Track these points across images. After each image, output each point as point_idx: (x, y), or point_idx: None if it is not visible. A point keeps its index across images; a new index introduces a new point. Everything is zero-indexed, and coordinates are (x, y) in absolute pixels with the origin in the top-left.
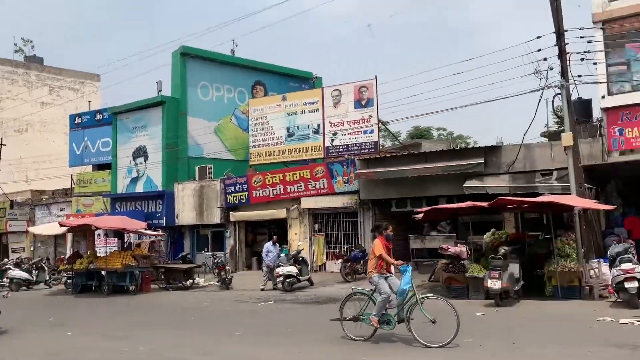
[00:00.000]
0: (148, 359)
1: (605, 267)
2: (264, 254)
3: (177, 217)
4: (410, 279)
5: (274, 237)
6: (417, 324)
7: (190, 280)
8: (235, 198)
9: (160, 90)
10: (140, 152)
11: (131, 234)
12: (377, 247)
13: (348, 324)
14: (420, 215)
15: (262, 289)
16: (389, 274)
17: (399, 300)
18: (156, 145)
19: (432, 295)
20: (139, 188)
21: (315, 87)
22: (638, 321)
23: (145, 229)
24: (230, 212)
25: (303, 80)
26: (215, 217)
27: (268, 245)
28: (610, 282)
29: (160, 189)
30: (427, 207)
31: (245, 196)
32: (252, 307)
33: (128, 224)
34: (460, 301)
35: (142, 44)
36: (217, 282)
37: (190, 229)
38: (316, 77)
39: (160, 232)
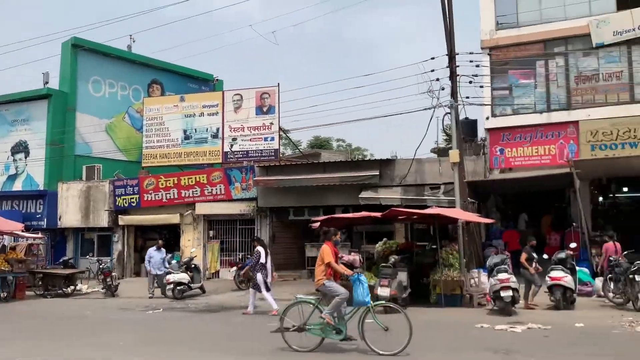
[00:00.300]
0: None
1: (484, 277)
2: (146, 260)
3: (60, 219)
4: (368, 290)
5: (159, 242)
6: (368, 332)
7: (72, 287)
8: (125, 201)
9: (46, 83)
10: (21, 148)
11: (5, 236)
12: (326, 254)
13: (291, 334)
14: (317, 224)
15: (151, 297)
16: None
17: (348, 310)
18: (39, 141)
19: (383, 302)
20: (17, 186)
21: (216, 90)
22: (512, 327)
23: (22, 231)
24: (119, 216)
25: (203, 82)
26: (103, 220)
27: (151, 250)
28: (488, 291)
29: (42, 188)
30: (324, 216)
31: (136, 199)
32: (139, 315)
33: (2, 224)
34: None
35: (29, 32)
36: (102, 289)
37: (75, 232)
38: (217, 79)
39: (39, 235)
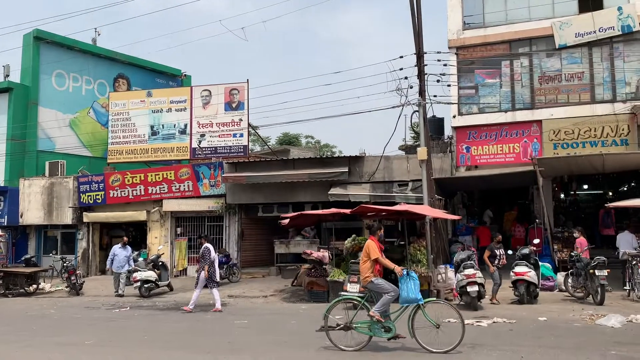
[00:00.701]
0: None
1: (450, 273)
2: (109, 258)
3: (21, 216)
4: (418, 287)
5: (124, 238)
6: (418, 329)
7: (35, 286)
8: (90, 197)
9: (7, 76)
10: None
11: None
12: (372, 249)
13: (336, 333)
14: (287, 221)
15: (122, 295)
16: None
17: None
18: (0, 136)
19: (434, 299)
20: None
21: (184, 86)
22: (478, 322)
23: None
24: (84, 213)
25: (171, 78)
26: (67, 218)
27: (115, 248)
28: (454, 286)
29: (2, 184)
30: (294, 213)
31: (101, 196)
32: (105, 314)
33: None
34: (321, 304)
35: None
36: (66, 287)
37: (37, 229)
38: (185, 75)
39: (0, 232)
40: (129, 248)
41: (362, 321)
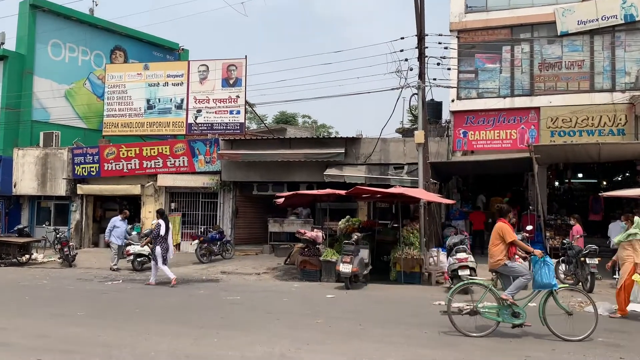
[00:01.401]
0: None
1: (442, 256)
2: (107, 230)
3: (14, 186)
4: (553, 272)
5: (126, 212)
6: (550, 316)
7: (27, 256)
8: (84, 169)
9: (2, 44)
10: None
11: None
12: (507, 232)
13: (460, 318)
14: (281, 200)
15: (117, 269)
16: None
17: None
18: None
19: (567, 285)
20: None
21: (181, 60)
22: (468, 305)
23: None
24: (78, 185)
25: (168, 51)
26: (61, 189)
27: (116, 220)
28: (446, 270)
29: None
30: (289, 192)
31: (95, 168)
32: (98, 286)
33: None
34: (313, 284)
35: None
36: (59, 258)
37: (30, 200)
38: (182, 49)
39: None
40: (126, 221)
41: (490, 306)
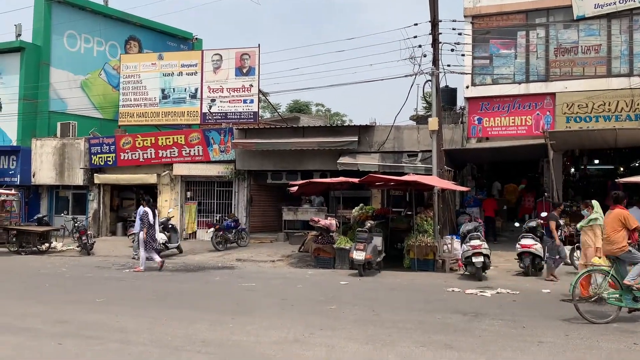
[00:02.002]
0: None
1: (456, 243)
2: (138, 219)
3: (33, 176)
4: None
5: (151, 200)
6: None
7: (47, 244)
8: (101, 159)
9: (19, 35)
10: None
11: None
12: (631, 218)
13: (585, 305)
14: (295, 188)
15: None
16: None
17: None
18: (12, 96)
19: None
20: None
21: (195, 49)
22: (481, 292)
23: None
24: (95, 174)
25: (182, 41)
26: (78, 179)
27: (148, 209)
28: (460, 257)
29: (14, 144)
30: (302, 181)
31: (112, 158)
32: (115, 273)
33: None
34: (327, 271)
35: None
36: (77, 247)
37: (49, 189)
38: (196, 38)
39: (13, 191)
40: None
41: (613, 292)
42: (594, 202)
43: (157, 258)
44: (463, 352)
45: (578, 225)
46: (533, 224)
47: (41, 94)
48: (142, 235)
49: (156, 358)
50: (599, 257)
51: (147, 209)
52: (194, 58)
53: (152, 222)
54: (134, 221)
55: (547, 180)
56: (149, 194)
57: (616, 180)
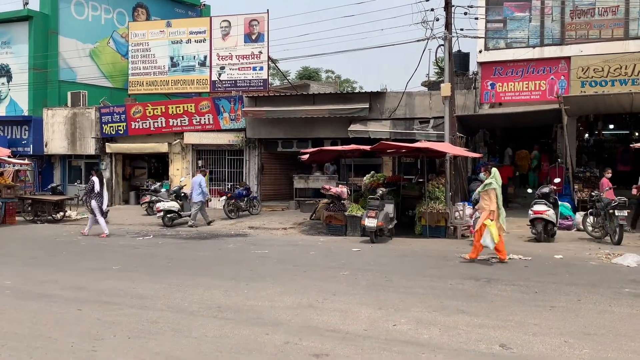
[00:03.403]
0: (11, 295)
1: (468, 210)
2: (197, 187)
3: (46, 146)
4: None
5: (206, 170)
6: None
7: (62, 213)
8: (112, 128)
9: (26, 3)
10: (3, 72)
11: None
12: None
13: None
14: (306, 156)
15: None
16: None
17: None
18: (22, 65)
19: None
20: (2, 111)
21: (203, 16)
22: (494, 258)
23: (9, 157)
24: (107, 143)
25: (190, 7)
26: (90, 148)
27: (202, 178)
28: (472, 223)
29: (26, 114)
30: (313, 149)
31: (123, 127)
32: (130, 241)
33: None
34: (339, 238)
35: None
36: None
37: (61, 159)
38: (204, 4)
39: (26, 161)
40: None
41: None
42: (493, 169)
43: (106, 229)
44: (475, 317)
45: (477, 190)
46: (546, 190)
47: (50, 63)
48: (94, 203)
49: (173, 323)
50: (491, 220)
51: (95, 178)
52: (202, 25)
53: (98, 191)
54: (147, 190)
55: (561, 146)
56: (160, 162)
57: (630, 145)
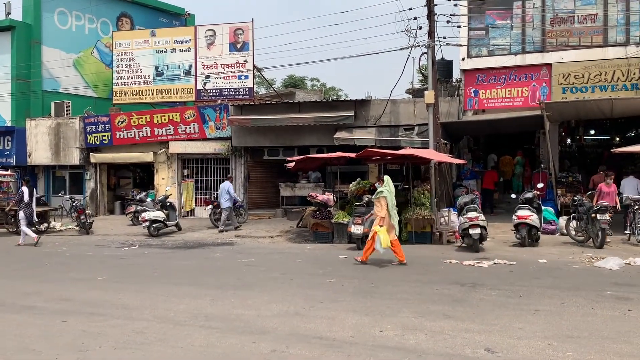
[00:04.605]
0: None
1: (453, 216)
2: (225, 193)
3: (29, 156)
4: None
5: (230, 176)
6: None
7: (45, 224)
8: (96, 138)
9: (8, 14)
10: None
11: None
12: None
13: None
14: (292, 164)
15: (238, 226)
16: None
17: None
18: (5, 76)
19: None
20: None
21: (188, 25)
22: (479, 263)
23: None
24: (91, 153)
25: (174, 17)
26: (74, 158)
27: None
28: (457, 229)
29: (9, 124)
30: (299, 157)
31: (107, 137)
32: (116, 252)
33: None
34: (326, 245)
35: None
36: (76, 226)
37: (45, 169)
38: (188, 13)
39: (9, 172)
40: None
41: None
42: (386, 177)
43: (32, 234)
44: (461, 322)
45: (372, 198)
46: (529, 195)
47: (34, 73)
48: (21, 214)
49: (159, 333)
50: (381, 226)
51: (25, 188)
52: (187, 34)
53: (27, 201)
54: (132, 200)
55: (544, 152)
56: (146, 172)
57: (612, 150)
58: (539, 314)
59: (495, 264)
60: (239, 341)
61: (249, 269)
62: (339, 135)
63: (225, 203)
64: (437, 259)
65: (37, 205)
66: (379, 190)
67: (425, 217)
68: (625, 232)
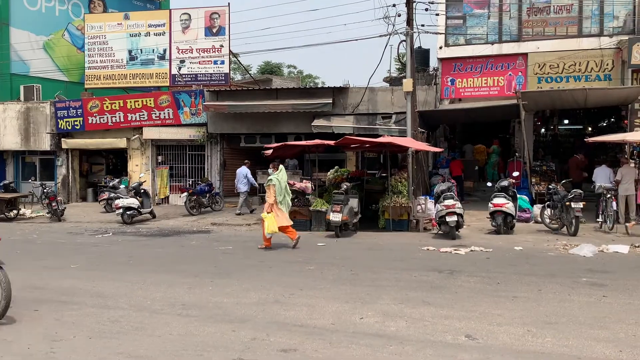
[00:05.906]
0: None
1: (430, 204)
2: (243, 178)
3: None
4: None
5: (247, 162)
6: None
7: (15, 211)
8: (68, 124)
9: None
10: None
11: None
12: None
13: None
14: (270, 152)
15: (240, 214)
16: None
17: None
18: None
19: None
20: None
21: (162, 9)
22: (456, 250)
23: None
24: (63, 139)
25: (148, 0)
26: (45, 144)
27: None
28: (434, 216)
29: None
30: (277, 144)
31: (79, 122)
32: (89, 239)
33: None
34: (304, 233)
35: None
36: (48, 213)
37: (14, 155)
38: None
39: None
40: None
41: None
42: (280, 166)
43: None
44: (440, 308)
45: (265, 184)
46: (505, 183)
47: (1, 55)
48: None
49: (136, 322)
50: (269, 213)
51: None
52: (162, 18)
53: None
54: (105, 187)
55: (519, 141)
56: (119, 158)
57: (585, 139)
58: (517, 301)
59: (472, 251)
60: (218, 329)
61: (226, 256)
62: (317, 122)
63: (242, 187)
64: (414, 246)
65: (6, 191)
66: (269, 178)
67: (403, 205)
68: (598, 219)
